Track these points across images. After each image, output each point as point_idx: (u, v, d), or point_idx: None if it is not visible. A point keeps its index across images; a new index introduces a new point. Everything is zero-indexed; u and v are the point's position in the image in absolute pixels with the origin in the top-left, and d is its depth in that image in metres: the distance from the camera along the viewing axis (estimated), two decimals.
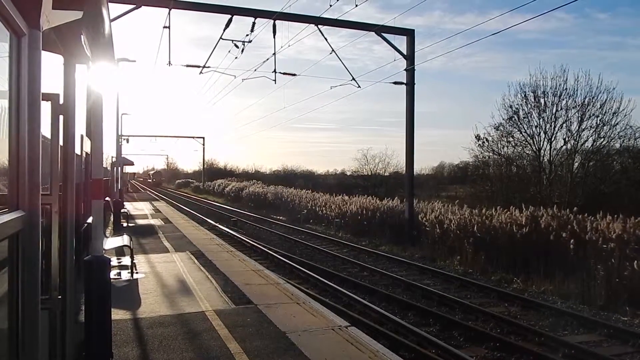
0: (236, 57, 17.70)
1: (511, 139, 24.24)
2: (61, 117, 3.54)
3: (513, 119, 23.92)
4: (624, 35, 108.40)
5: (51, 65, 3.53)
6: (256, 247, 17.07)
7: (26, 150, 1.71)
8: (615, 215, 11.66)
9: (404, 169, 21.53)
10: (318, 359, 5.29)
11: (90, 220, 5.16)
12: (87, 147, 6.39)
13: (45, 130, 3.42)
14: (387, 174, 46.38)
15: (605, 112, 21.62)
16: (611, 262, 10.63)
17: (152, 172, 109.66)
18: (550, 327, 8.61)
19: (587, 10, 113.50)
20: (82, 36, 3.37)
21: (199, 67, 18.31)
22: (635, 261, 10.05)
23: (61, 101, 3.55)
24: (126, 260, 10.52)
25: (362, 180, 46.27)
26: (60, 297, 3.43)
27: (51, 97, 3.38)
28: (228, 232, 21.34)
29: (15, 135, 1.66)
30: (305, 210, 28.12)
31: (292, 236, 20.81)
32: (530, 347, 7.50)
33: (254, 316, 6.90)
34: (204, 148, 72.32)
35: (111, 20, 3.82)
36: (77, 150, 4.94)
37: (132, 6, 15.30)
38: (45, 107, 3.29)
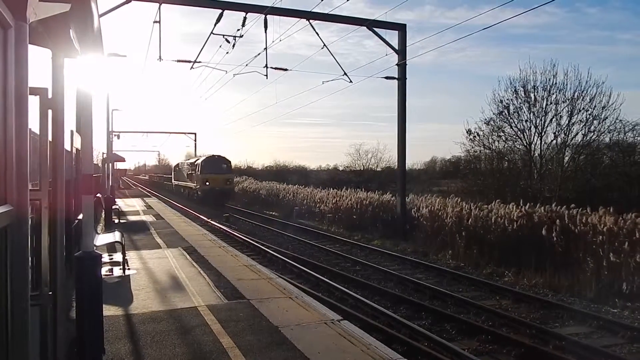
0: (227, 52, 17.63)
1: (502, 134, 24.40)
2: (50, 112, 3.51)
3: (503, 113, 24.08)
4: (613, 29, 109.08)
5: (39, 59, 3.49)
6: (249, 242, 17.05)
7: (14, 145, 1.69)
8: (608, 208, 11.76)
9: (396, 164, 21.57)
10: (311, 352, 5.30)
11: (81, 216, 5.12)
12: (77, 143, 6.34)
13: (34, 125, 3.38)
14: (379, 169, 46.65)
15: (595, 106, 21.84)
16: (601, 255, 10.74)
17: (194, 159, 39.82)
18: (541, 320, 8.71)
19: (577, 5, 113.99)
20: (70, 30, 3.33)
21: (190, 62, 18.21)
22: (622, 254, 10.17)
23: (50, 95, 3.51)
24: (118, 257, 10.47)
25: (354, 175, 46.43)
26: (51, 293, 3.41)
27: (39, 92, 3.34)
28: (220, 228, 21.30)
29: (2, 129, 1.64)
30: (298, 206, 28.13)
31: (284, 231, 20.80)
32: (521, 339, 7.57)
33: (247, 311, 6.90)
34: (195, 144, 71.55)
35: (101, 15, 3.79)
36: (67, 146, 4.90)
37: (122, 0, 15.16)
38: (34, 102, 3.25)
